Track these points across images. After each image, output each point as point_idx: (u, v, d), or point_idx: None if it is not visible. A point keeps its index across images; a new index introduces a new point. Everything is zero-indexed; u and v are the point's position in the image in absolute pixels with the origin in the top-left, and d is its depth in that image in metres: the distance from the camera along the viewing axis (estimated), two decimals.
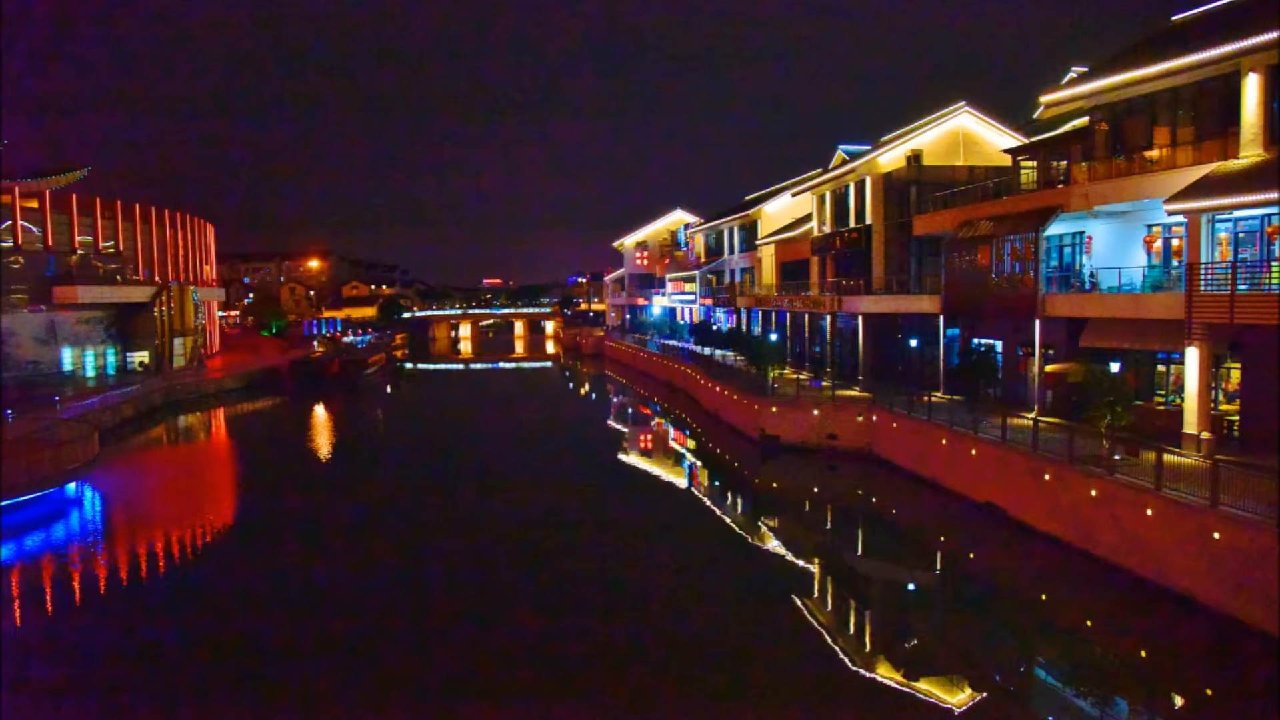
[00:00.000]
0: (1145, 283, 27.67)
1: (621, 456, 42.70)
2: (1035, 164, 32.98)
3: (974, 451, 27.82)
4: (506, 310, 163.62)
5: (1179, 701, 16.80)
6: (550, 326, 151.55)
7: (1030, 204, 31.23)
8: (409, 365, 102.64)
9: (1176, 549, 19.20)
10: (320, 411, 60.40)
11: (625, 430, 51.48)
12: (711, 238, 76.20)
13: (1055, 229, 30.49)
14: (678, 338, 76.03)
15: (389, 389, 79.03)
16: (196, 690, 16.79)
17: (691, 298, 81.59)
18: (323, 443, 48.54)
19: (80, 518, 30.33)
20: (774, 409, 38.27)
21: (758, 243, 63.47)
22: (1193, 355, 23.67)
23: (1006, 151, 37.45)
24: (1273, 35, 22.24)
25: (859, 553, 26.78)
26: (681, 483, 37.01)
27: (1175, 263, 26.83)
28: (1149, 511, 19.93)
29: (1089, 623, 20.08)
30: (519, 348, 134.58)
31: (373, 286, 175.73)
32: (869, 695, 16.23)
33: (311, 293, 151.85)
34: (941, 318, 37.48)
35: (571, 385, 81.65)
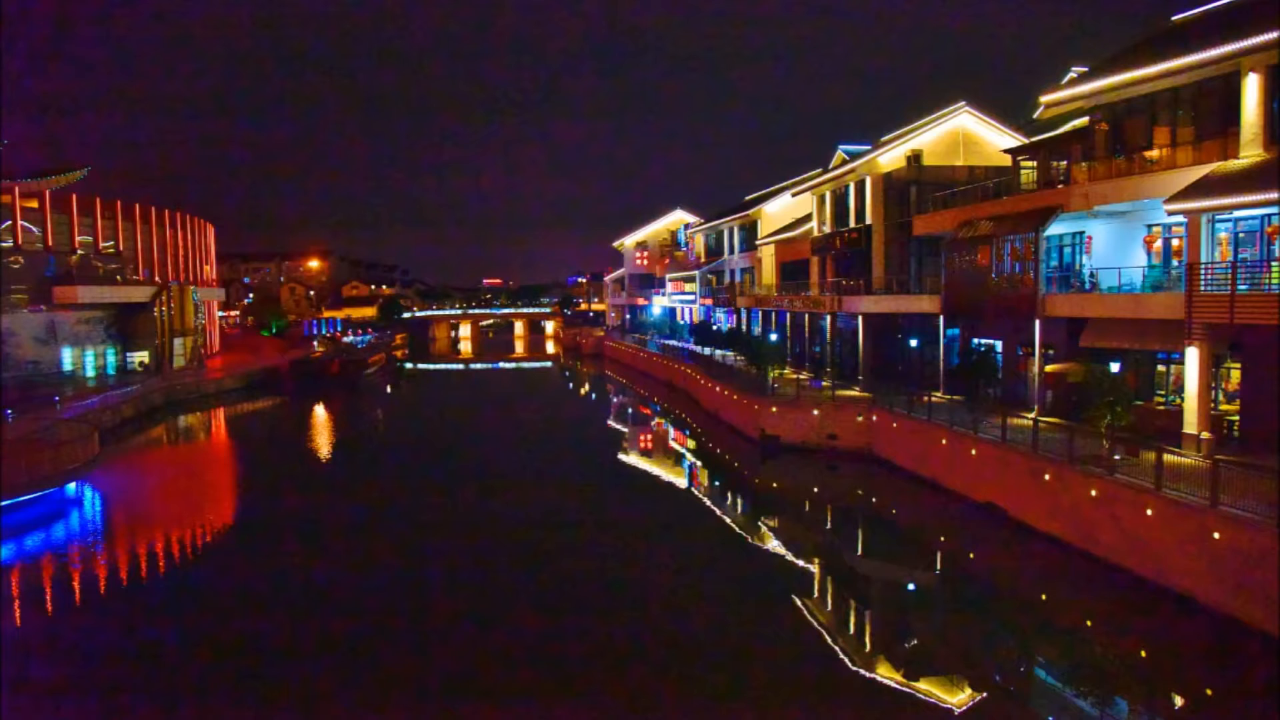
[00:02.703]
0: (1145, 283, 27.67)
1: (621, 456, 42.70)
2: (1035, 164, 32.99)
3: (974, 451, 27.82)
4: (506, 310, 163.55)
5: (1179, 701, 16.80)
6: (550, 326, 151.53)
7: (1030, 204, 31.24)
8: (409, 365, 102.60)
9: (1176, 549, 19.21)
10: (320, 411, 60.40)
11: (625, 430, 51.48)
12: (711, 238, 76.20)
13: (1055, 229, 30.49)
14: (678, 338, 76.04)
15: (389, 389, 79.02)
16: (196, 690, 16.79)
17: (691, 298, 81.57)
18: (323, 443, 48.54)
19: (80, 518, 30.33)
20: (774, 409, 38.27)
21: (758, 243, 63.47)
22: (1193, 355, 23.67)
23: (1006, 151, 37.46)
24: (1273, 35, 22.24)
25: (859, 553, 26.78)
26: (681, 483, 37.01)
27: (1175, 263, 26.83)
28: (1149, 511, 19.93)
29: (1089, 623, 20.08)
30: (519, 348, 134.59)
31: (373, 286, 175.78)
32: (869, 695, 16.23)
33: (311, 293, 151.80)
34: (941, 318, 37.49)
35: (571, 385, 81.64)
